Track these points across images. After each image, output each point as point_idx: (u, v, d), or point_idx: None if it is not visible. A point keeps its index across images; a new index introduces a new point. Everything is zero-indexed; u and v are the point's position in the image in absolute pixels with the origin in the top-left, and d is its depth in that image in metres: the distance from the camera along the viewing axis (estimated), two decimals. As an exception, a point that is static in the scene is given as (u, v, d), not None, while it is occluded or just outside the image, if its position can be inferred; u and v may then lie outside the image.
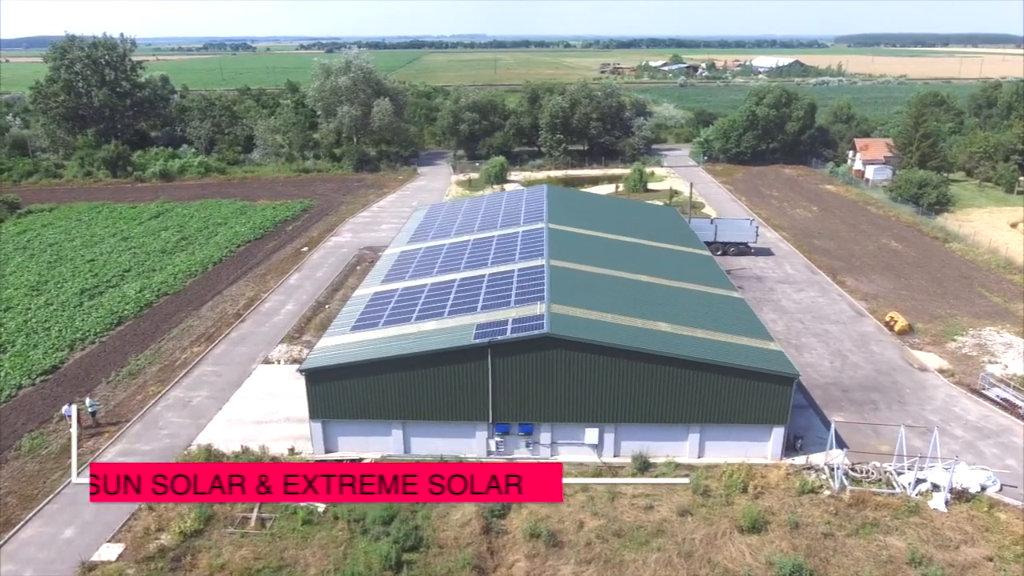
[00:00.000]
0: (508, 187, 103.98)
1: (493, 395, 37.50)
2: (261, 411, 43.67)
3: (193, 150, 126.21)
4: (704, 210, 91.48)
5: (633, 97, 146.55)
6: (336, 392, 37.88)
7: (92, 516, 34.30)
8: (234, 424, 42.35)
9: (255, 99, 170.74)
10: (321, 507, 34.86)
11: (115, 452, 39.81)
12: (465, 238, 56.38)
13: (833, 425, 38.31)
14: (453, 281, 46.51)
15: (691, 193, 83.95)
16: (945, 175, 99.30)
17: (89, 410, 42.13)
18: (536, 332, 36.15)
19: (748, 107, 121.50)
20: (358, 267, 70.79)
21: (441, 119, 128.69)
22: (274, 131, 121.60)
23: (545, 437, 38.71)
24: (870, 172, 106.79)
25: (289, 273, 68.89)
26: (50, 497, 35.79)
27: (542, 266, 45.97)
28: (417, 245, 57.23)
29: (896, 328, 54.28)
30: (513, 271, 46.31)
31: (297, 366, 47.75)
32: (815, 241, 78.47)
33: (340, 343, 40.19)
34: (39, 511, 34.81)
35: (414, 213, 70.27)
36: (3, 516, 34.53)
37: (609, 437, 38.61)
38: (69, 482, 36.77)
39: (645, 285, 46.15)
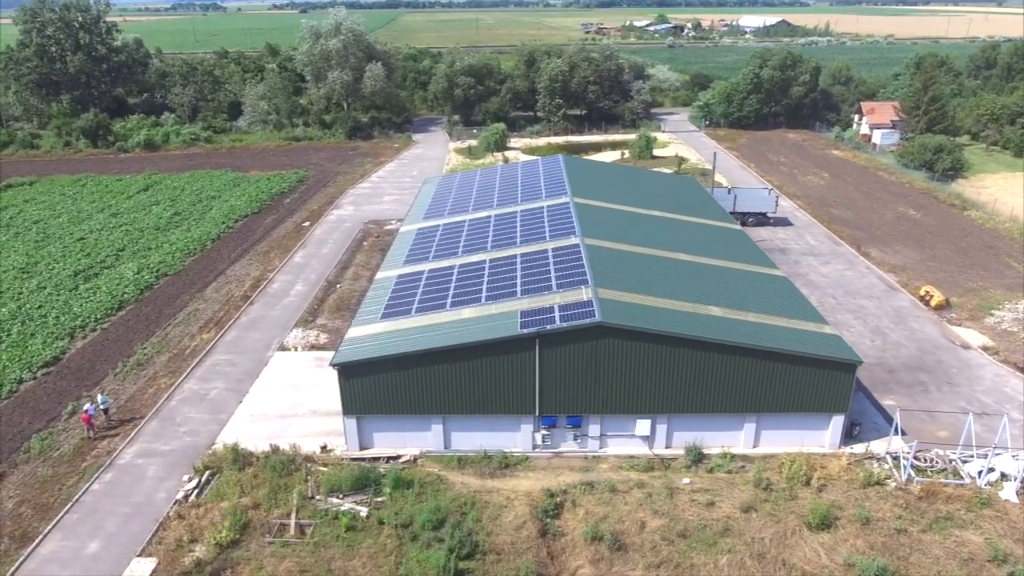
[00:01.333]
0: (509, 155, 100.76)
1: (540, 387, 35.28)
2: (284, 404, 41.13)
3: (175, 118, 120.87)
4: (716, 178, 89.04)
5: (629, 59, 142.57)
6: (372, 387, 35.41)
7: (117, 527, 31.84)
8: (257, 419, 39.81)
9: (236, 63, 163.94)
10: (364, 511, 32.68)
11: (133, 453, 37.15)
12: (485, 214, 53.57)
13: (899, 413, 36.66)
14: (483, 262, 43.88)
15: (714, 163, 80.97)
16: (953, 140, 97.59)
17: (101, 407, 39.30)
18: (588, 321, 33.82)
19: (751, 70, 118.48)
20: (364, 243, 67.75)
21: (435, 84, 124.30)
22: (261, 97, 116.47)
23: (594, 429, 36.68)
24: (877, 136, 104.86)
25: (293, 250, 65.69)
26: (68, 506, 33.18)
27: (577, 245, 43.46)
28: (435, 222, 54.33)
29: (932, 303, 52.72)
30: (547, 251, 43.76)
31: (314, 353, 45.45)
32: (832, 210, 76.58)
33: (371, 332, 37.57)
34: (58, 522, 32.22)
35: (423, 186, 67.15)
36: (19, 529, 31.92)
37: (661, 428, 36.68)
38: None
39: (685, 265, 43.89)
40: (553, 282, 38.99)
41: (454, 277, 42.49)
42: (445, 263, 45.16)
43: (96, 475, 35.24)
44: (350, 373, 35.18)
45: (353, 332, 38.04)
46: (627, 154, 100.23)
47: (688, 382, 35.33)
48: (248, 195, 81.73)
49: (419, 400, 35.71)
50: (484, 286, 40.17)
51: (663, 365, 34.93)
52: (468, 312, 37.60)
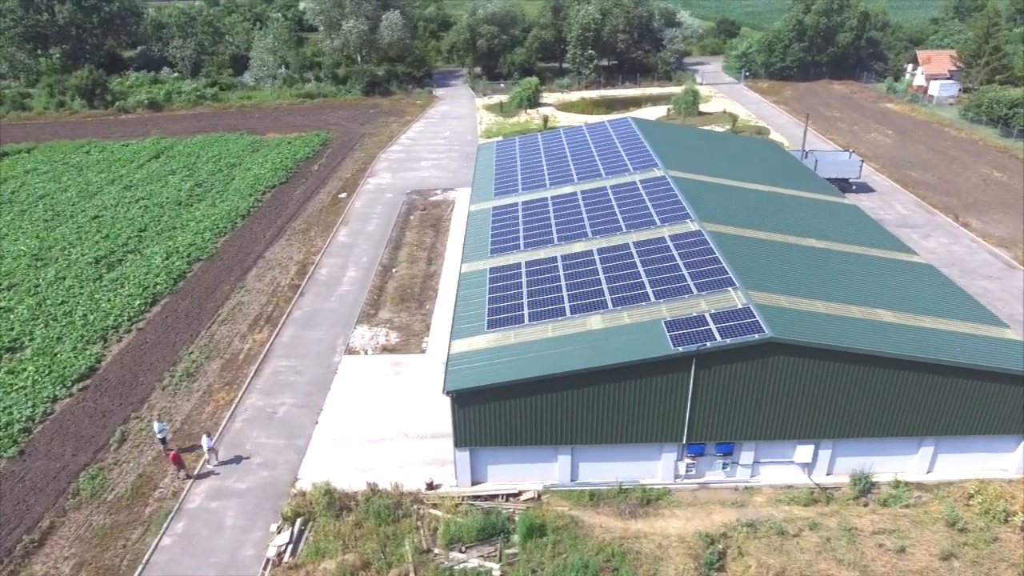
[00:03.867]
0: (544, 112, 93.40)
1: (691, 411, 29.74)
2: (368, 424, 35.45)
3: (176, 74, 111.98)
4: (771, 136, 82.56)
5: (658, 5, 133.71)
6: (491, 415, 29.73)
7: (205, 599, 26.41)
8: (341, 445, 34.14)
9: (231, 11, 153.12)
10: (495, 569, 27.39)
11: (204, 493, 31.47)
12: (568, 190, 47.19)
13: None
14: (589, 252, 37.81)
15: (806, 126, 73.23)
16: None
17: (158, 436, 33.44)
18: (757, 337, 28.07)
19: (794, 15, 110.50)
20: (411, 217, 61.26)
21: (456, 34, 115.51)
22: (269, 50, 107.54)
23: (746, 456, 31.31)
24: (935, 88, 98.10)
25: (335, 227, 59.13)
26: (139, 570, 27.60)
27: (699, 232, 37.44)
28: (510, 199, 47.89)
29: (1066, 285, 47.34)
30: (663, 238, 37.73)
31: (387, 357, 39.59)
32: (911, 173, 70.49)
33: (480, 348, 31.65)
34: (131, 594, 26.78)
35: (480, 153, 60.36)
36: (83, 604, 26.45)
37: (824, 454, 31.38)
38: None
39: (822, 254, 38.03)
40: (689, 282, 33.08)
41: (560, 272, 36.45)
42: (542, 253, 39.02)
43: (165, 525, 29.60)
44: (466, 401, 29.42)
45: (458, 346, 32.07)
46: (671, 110, 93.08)
47: (862, 403, 29.87)
48: (271, 162, 74.45)
49: (545, 430, 30.09)
50: (604, 286, 34.18)
51: (837, 384, 29.39)
52: (595, 321, 31.70)
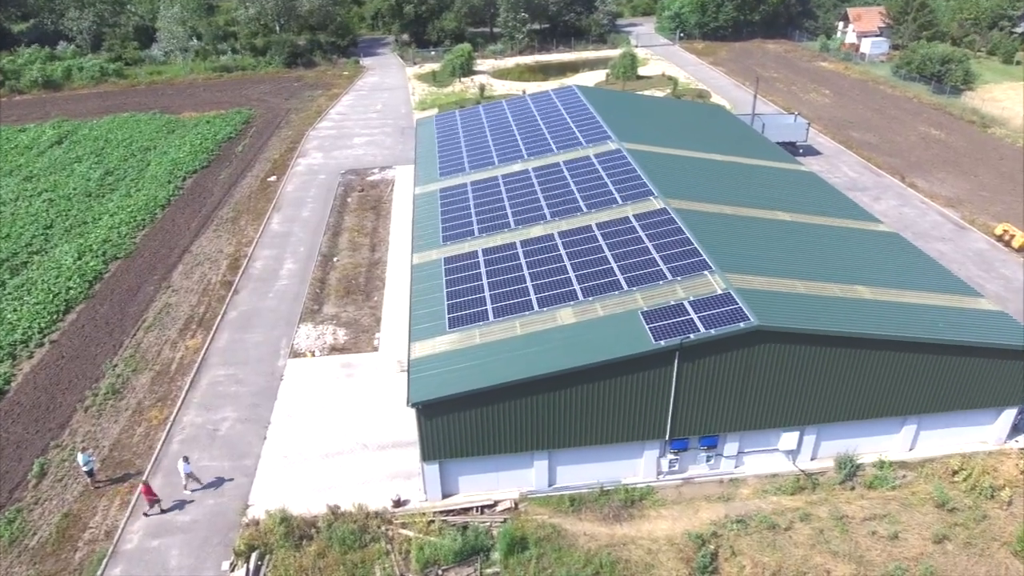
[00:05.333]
0: (480, 80, 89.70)
1: (675, 407, 27.94)
2: (322, 436, 32.44)
3: (74, 48, 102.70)
4: (712, 100, 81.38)
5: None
6: (461, 425, 27.22)
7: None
8: (294, 463, 31.08)
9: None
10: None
11: (142, 530, 28.02)
12: (519, 167, 44.42)
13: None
14: (550, 237, 35.35)
15: (756, 88, 71.31)
16: (963, 50, 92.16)
17: (84, 468, 29.60)
18: (743, 326, 26.33)
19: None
20: (349, 200, 57.41)
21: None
22: (179, 21, 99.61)
23: (730, 448, 29.85)
24: (866, 46, 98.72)
25: (267, 215, 54.81)
26: (73, 631, 24.25)
27: (664, 210, 35.43)
28: (458, 179, 44.77)
29: (1016, 244, 47.66)
30: (627, 218, 35.57)
31: (336, 358, 36.43)
32: (852, 134, 70.42)
33: (443, 350, 28.95)
34: (64, 660, 23.41)
35: (419, 130, 56.68)
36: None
37: (809, 439, 30.20)
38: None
39: (793, 227, 36.64)
40: (662, 266, 31.07)
41: (522, 260, 33.90)
42: (499, 239, 36.34)
43: (99, 572, 26.15)
44: (432, 412, 26.79)
45: (419, 350, 29.27)
46: (610, 75, 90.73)
47: (849, 386, 28.68)
48: (189, 143, 68.74)
49: (520, 436, 27.82)
50: (572, 274, 31.84)
51: (823, 369, 28.06)
52: (566, 315, 29.38)
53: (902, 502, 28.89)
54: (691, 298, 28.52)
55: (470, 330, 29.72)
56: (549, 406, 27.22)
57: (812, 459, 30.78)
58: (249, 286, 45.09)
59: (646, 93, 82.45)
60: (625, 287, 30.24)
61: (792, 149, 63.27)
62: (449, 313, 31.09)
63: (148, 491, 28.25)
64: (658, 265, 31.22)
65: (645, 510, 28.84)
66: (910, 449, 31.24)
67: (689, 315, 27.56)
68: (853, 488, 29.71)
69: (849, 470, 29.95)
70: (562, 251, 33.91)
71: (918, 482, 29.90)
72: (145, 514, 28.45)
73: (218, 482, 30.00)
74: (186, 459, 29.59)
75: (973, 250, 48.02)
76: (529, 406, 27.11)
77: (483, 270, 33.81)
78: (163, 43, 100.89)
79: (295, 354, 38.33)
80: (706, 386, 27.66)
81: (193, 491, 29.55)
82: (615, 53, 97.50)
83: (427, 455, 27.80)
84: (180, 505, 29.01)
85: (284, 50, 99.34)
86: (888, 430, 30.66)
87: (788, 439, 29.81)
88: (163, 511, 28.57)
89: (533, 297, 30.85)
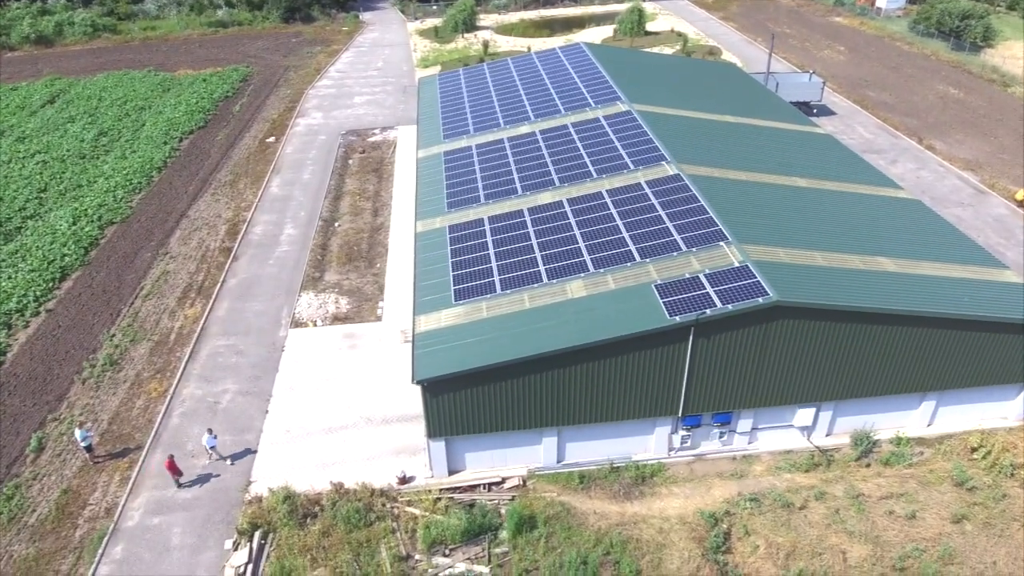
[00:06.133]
0: (483, 36, 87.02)
1: (688, 383, 27.07)
2: (326, 411, 31.71)
3: (64, 2, 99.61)
4: (724, 56, 78.94)
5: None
6: (467, 402, 26.41)
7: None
8: (296, 438, 30.40)
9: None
10: (485, 572, 24.68)
11: (143, 507, 27.47)
12: (526, 129, 42.84)
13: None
14: (559, 204, 34.06)
15: (771, 46, 68.34)
16: (983, 5, 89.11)
17: (81, 444, 28.95)
18: (761, 301, 25.26)
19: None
20: (350, 161, 55.91)
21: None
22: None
23: (744, 424, 29.07)
24: (882, 0, 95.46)
25: (266, 177, 53.36)
26: (74, 611, 23.83)
27: (677, 176, 34.08)
28: (462, 142, 43.25)
29: (1037, 209, 46.31)
30: (640, 184, 34.23)
31: (339, 328, 35.45)
32: (868, 93, 68.29)
33: (448, 324, 27.98)
34: (65, 641, 23.01)
35: (421, 90, 54.81)
36: (9, 659, 22.62)
37: (825, 415, 29.40)
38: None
39: (810, 194, 35.29)
40: (676, 236, 29.87)
41: (529, 228, 32.68)
42: (506, 206, 35.07)
43: (100, 551, 25.65)
44: (439, 390, 25.96)
45: (423, 324, 28.31)
46: (617, 30, 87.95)
47: (869, 361, 27.74)
48: (186, 102, 66.84)
49: (528, 414, 27.03)
50: (582, 244, 30.67)
51: (843, 344, 27.09)
52: (576, 287, 28.31)
53: (920, 480, 28.21)
54: (707, 271, 27.41)
55: (477, 303, 28.71)
56: (559, 383, 26.35)
57: (827, 435, 30.03)
58: (249, 252, 43.99)
59: (655, 50, 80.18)
60: (638, 258, 29.11)
61: (806, 109, 61.46)
62: (455, 285, 30.03)
63: (171, 466, 27.67)
64: (672, 235, 30.03)
65: (656, 487, 28.19)
66: (928, 425, 30.46)
67: (705, 289, 26.49)
68: (869, 465, 29.04)
69: (865, 446, 29.23)
70: (571, 219, 32.68)
71: (936, 459, 29.20)
72: (179, 485, 28.00)
73: (242, 454, 29.37)
74: (211, 431, 28.94)
75: (993, 216, 46.63)
76: (538, 383, 26.25)
77: (490, 239, 32.65)
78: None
79: (297, 324, 37.43)
80: (721, 362, 26.73)
81: (215, 460, 29.02)
82: (622, 8, 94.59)
83: (433, 432, 27.05)
84: (206, 478, 28.42)
85: (282, 4, 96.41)
86: (906, 406, 29.83)
87: (804, 415, 29.00)
88: (179, 485, 28.02)
89: (542, 268, 29.75)
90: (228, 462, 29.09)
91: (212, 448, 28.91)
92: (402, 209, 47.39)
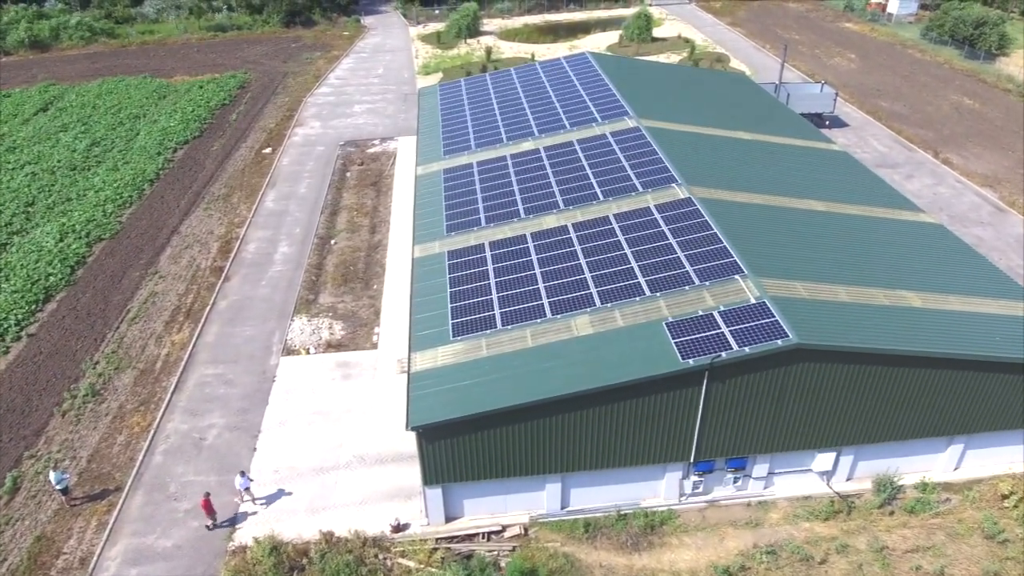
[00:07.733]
0: (486, 42, 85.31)
1: (701, 428, 25.37)
2: (316, 448, 30.06)
3: (62, 5, 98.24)
4: (732, 64, 77.14)
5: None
6: (465, 449, 24.75)
7: None
8: (285, 478, 28.74)
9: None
10: (484, 637, 22.99)
11: (120, 557, 25.83)
12: (529, 145, 41.14)
13: None
14: (564, 229, 32.37)
15: (784, 56, 66.18)
16: (998, 12, 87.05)
17: (57, 487, 27.32)
18: (781, 344, 23.54)
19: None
20: (348, 174, 54.25)
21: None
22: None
23: (760, 469, 27.35)
24: (894, 5, 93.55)
25: (261, 191, 51.74)
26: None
27: (689, 201, 32.36)
28: (462, 159, 41.56)
29: (1061, 229, 44.45)
30: (648, 208, 32.52)
31: (333, 356, 33.75)
32: (881, 103, 66.45)
33: (447, 362, 26.30)
34: None
35: (422, 101, 53.14)
36: None
37: (845, 460, 27.66)
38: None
39: (829, 220, 33.52)
40: (688, 268, 28.16)
41: (533, 256, 30.99)
42: (509, 230, 33.37)
43: (72, 607, 24.07)
44: (435, 436, 24.28)
45: (420, 362, 26.63)
46: (623, 36, 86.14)
47: (893, 404, 26.00)
48: (181, 111, 65.28)
49: (529, 460, 25.35)
50: (588, 275, 28.97)
51: (866, 387, 25.34)
52: (582, 323, 26.62)
53: (947, 531, 26.47)
54: (721, 308, 25.70)
55: (476, 339, 27.02)
56: (564, 428, 24.68)
57: (848, 479, 28.30)
58: (241, 272, 42.35)
59: (661, 57, 78.50)
60: (647, 292, 27.40)
61: (818, 121, 59.61)
62: (453, 318, 28.35)
63: (207, 505, 26.15)
64: (684, 266, 28.31)
65: (666, 537, 26.51)
66: (955, 469, 28.70)
67: (719, 328, 24.78)
68: (892, 513, 27.30)
69: (889, 493, 27.50)
70: (577, 246, 30.97)
71: (964, 507, 27.45)
72: (214, 525, 26.63)
73: (277, 495, 27.90)
74: (243, 473, 27.29)
75: (1015, 236, 44.82)
76: (542, 428, 24.57)
77: (491, 267, 30.95)
78: (155, 0, 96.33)
79: (288, 351, 35.78)
80: (737, 406, 25.03)
81: (251, 500, 27.65)
82: (628, 12, 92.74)
83: (429, 480, 25.38)
84: (241, 516, 26.95)
85: (282, 8, 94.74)
86: (932, 449, 28.09)
87: (823, 460, 27.27)
88: (209, 527, 26.49)
89: (545, 301, 28.04)
90: (263, 504, 27.48)
91: (246, 490, 27.29)
92: (401, 226, 45.73)
